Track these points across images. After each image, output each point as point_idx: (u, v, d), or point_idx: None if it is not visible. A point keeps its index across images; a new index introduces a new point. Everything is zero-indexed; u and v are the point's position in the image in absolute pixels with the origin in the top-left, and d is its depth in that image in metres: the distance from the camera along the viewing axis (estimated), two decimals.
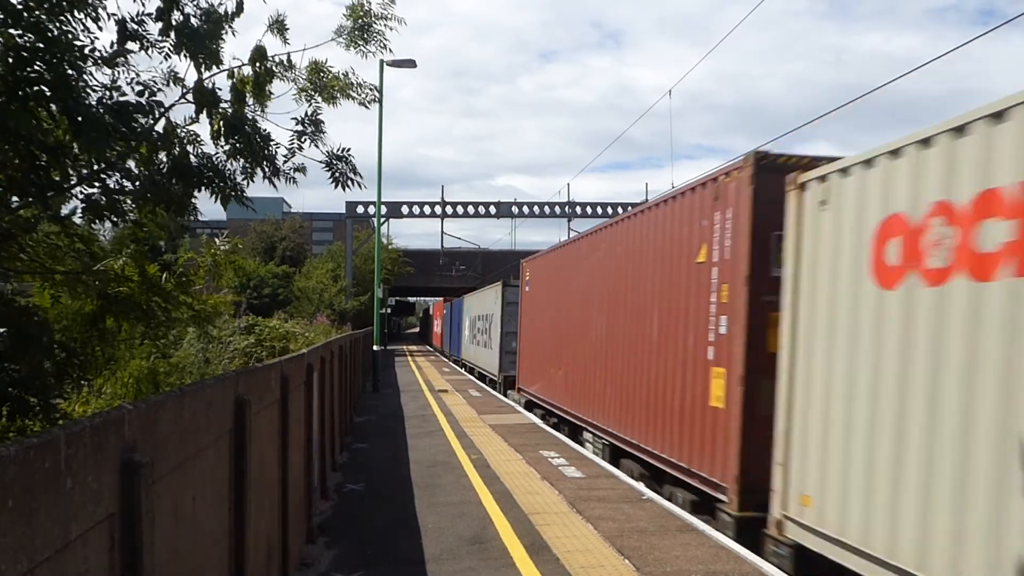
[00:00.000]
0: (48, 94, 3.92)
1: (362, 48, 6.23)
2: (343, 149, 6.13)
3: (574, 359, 14.78)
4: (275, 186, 5.85)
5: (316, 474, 8.54)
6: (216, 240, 6.35)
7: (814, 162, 7.27)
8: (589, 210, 55.04)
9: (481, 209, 54.01)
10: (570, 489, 10.28)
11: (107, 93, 4.48)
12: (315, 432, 8.29)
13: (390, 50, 6.37)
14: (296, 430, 6.62)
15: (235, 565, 4.10)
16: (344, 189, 6.14)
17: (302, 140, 5.95)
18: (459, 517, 8.83)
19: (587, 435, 13.97)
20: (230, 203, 5.43)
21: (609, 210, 54.79)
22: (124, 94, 4.72)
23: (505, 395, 23.78)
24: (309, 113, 6.00)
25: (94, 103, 4.23)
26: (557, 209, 54.82)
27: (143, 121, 4.55)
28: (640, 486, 10.54)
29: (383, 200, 29.15)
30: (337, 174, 6.07)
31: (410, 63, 23.77)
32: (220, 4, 5.23)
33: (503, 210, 53.99)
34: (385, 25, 6.27)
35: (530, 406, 19.40)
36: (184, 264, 6.23)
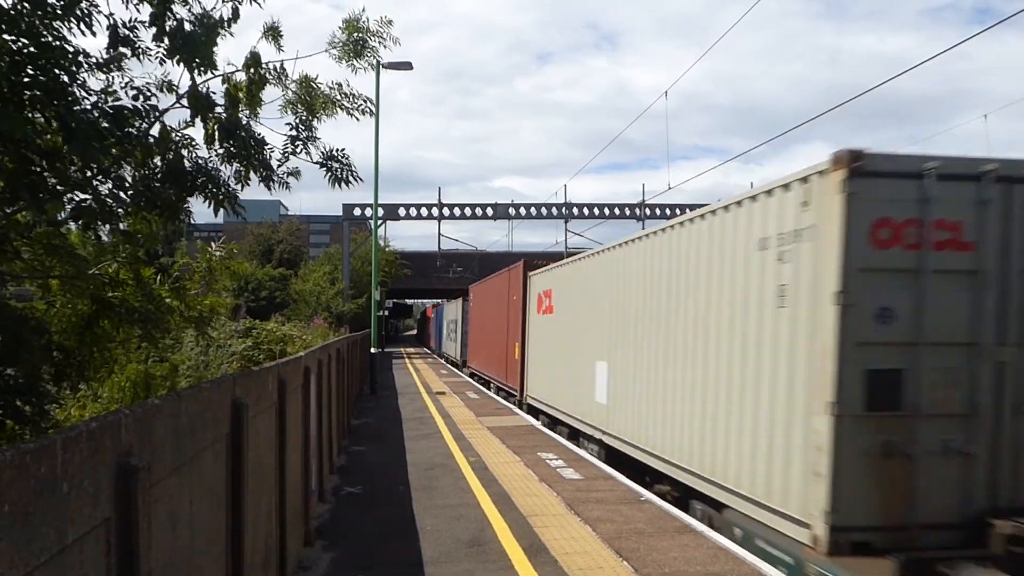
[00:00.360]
0: (42, 98, 3.91)
1: (354, 63, 6.27)
2: (338, 150, 6.13)
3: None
4: (270, 190, 5.85)
5: (314, 477, 8.53)
6: (212, 245, 6.32)
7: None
8: (586, 211, 55.06)
9: (478, 211, 54.02)
10: (568, 491, 10.28)
11: (102, 97, 4.48)
12: (312, 435, 8.29)
13: (379, 66, 6.42)
14: (294, 433, 6.61)
15: (232, 568, 4.10)
16: (341, 187, 6.13)
17: (296, 144, 5.94)
18: (457, 519, 8.83)
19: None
20: (222, 209, 5.43)
21: (607, 211, 54.84)
22: (119, 99, 4.72)
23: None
24: (304, 119, 6.00)
25: (89, 107, 4.22)
26: (554, 210, 54.83)
27: (138, 124, 4.55)
28: (638, 488, 10.55)
29: (380, 202, 29.16)
30: (336, 171, 6.07)
31: (406, 65, 23.78)
32: (215, 9, 5.23)
33: (500, 212, 54.01)
34: (379, 42, 6.32)
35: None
36: (180, 268, 6.21)
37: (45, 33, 3.97)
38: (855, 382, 6.17)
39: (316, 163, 6.05)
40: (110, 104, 4.42)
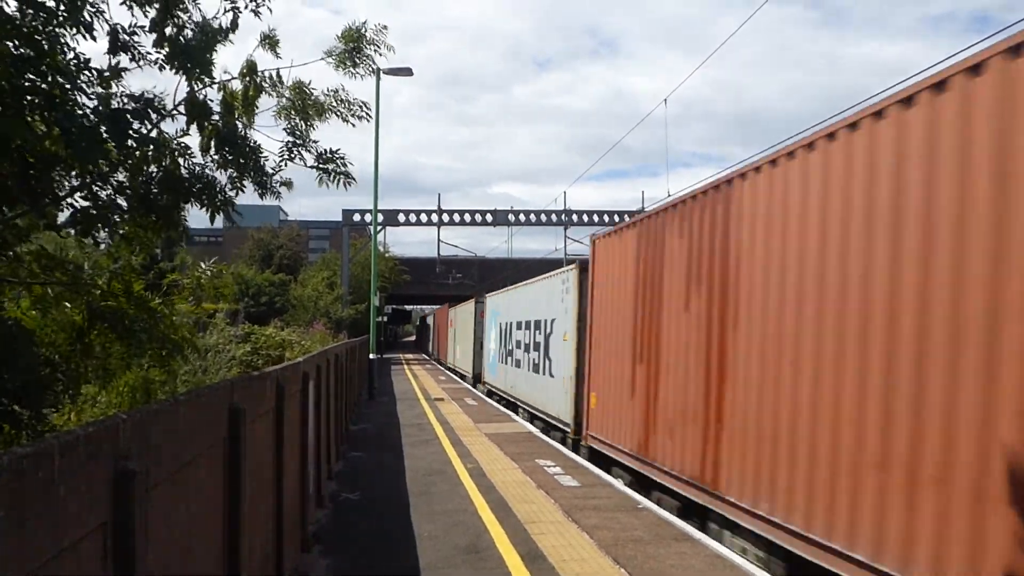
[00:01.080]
0: (41, 103, 3.93)
1: (351, 70, 6.30)
2: (332, 150, 6.12)
3: None
4: (262, 197, 5.88)
5: (311, 482, 8.52)
6: (201, 264, 6.34)
7: None
8: (586, 218, 55.15)
9: (478, 217, 54.09)
10: (566, 498, 10.27)
11: (101, 102, 4.48)
12: (311, 441, 8.28)
13: (379, 72, 6.44)
14: (291, 438, 6.61)
15: (229, 573, 4.10)
16: (338, 187, 6.12)
17: (292, 151, 5.95)
18: (455, 526, 8.82)
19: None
20: (219, 216, 5.43)
21: (606, 218, 54.92)
22: (122, 103, 4.72)
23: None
24: (297, 125, 6.02)
25: (88, 110, 4.24)
26: (554, 217, 54.93)
27: (137, 128, 4.56)
28: (636, 495, 10.54)
29: (380, 208, 29.19)
30: (331, 171, 6.07)
31: (406, 71, 23.83)
32: (215, 18, 5.25)
33: (499, 218, 54.08)
34: (375, 50, 6.31)
35: None
36: (169, 284, 6.21)
37: (43, 40, 3.99)
38: None
39: (311, 167, 6.05)
40: (111, 108, 4.44)
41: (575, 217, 55.02)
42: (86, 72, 4.33)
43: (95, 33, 4.47)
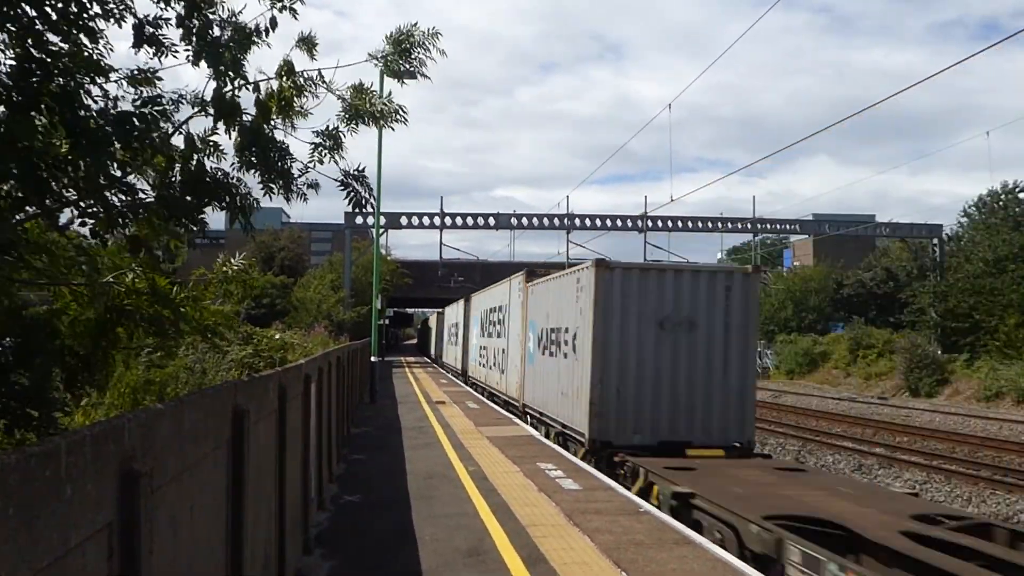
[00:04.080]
0: (50, 104, 3.93)
1: (398, 75, 6.12)
2: (359, 168, 5.98)
3: None
4: (288, 201, 5.71)
5: (313, 485, 8.53)
6: (232, 259, 6.21)
7: None
8: (588, 222, 55.16)
9: (480, 220, 54.10)
10: (567, 501, 10.26)
11: (110, 103, 4.49)
12: (312, 443, 8.29)
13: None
14: (293, 441, 6.62)
15: (232, 575, 4.10)
16: (358, 210, 5.98)
17: (321, 154, 5.77)
18: (456, 529, 8.82)
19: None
20: (234, 224, 5.38)
21: (609, 222, 54.95)
22: (140, 105, 4.64)
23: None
24: (332, 128, 5.82)
25: (95, 114, 4.24)
26: (556, 221, 54.95)
27: (155, 132, 4.53)
28: (637, 499, 10.53)
29: (382, 211, 29.21)
30: (352, 193, 5.92)
31: (411, 74, 23.82)
32: (254, 20, 5.16)
33: (502, 222, 54.09)
34: (426, 54, 6.09)
35: None
36: (197, 277, 6.13)
37: (57, 42, 4.00)
38: None
39: (336, 180, 5.91)
40: (119, 110, 4.44)
41: (578, 221, 55.03)
42: (114, 77, 4.32)
43: (122, 24, 4.43)
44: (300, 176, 5.67)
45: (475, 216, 54.26)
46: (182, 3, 4.84)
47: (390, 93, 6.14)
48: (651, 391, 13.89)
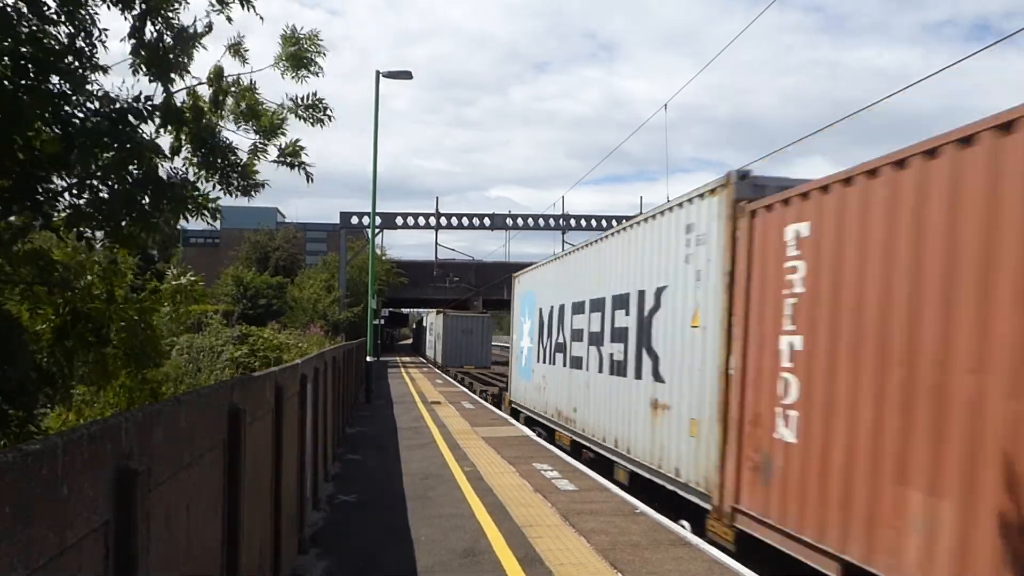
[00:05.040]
0: (40, 103, 3.93)
1: (298, 74, 6.49)
2: (291, 143, 6.38)
3: None
4: (229, 195, 6.15)
5: (308, 485, 8.51)
6: (178, 274, 6.71)
7: None
8: (584, 223, 55.18)
9: (475, 221, 54.13)
10: (563, 502, 10.26)
11: (104, 103, 4.49)
12: (308, 442, 8.27)
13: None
14: (289, 440, 6.60)
15: (228, 575, 4.09)
16: (308, 180, 6.41)
17: (257, 148, 6.22)
18: (452, 529, 8.81)
19: None
20: (198, 217, 5.59)
21: (604, 223, 54.99)
22: (116, 101, 4.73)
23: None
24: (258, 127, 6.27)
25: (89, 113, 4.24)
26: (552, 221, 54.96)
27: (136, 125, 4.60)
28: (632, 499, 10.53)
29: (377, 211, 29.19)
30: (293, 166, 6.35)
31: (406, 75, 23.83)
32: (190, 26, 5.40)
33: (497, 222, 54.11)
34: (316, 53, 6.49)
35: None
36: (150, 291, 6.49)
37: (46, 39, 3.99)
38: None
39: (275, 161, 6.32)
40: (112, 108, 4.44)
41: (573, 221, 55.06)
42: (89, 64, 4.36)
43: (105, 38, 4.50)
44: (251, 174, 6.09)
45: (470, 216, 54.27)
46: (133, 12, 4.98)
47: (312, 93, 6.59)
48: None
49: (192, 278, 6.85)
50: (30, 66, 3.86)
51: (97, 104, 4.52)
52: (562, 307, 16.18)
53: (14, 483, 1.72)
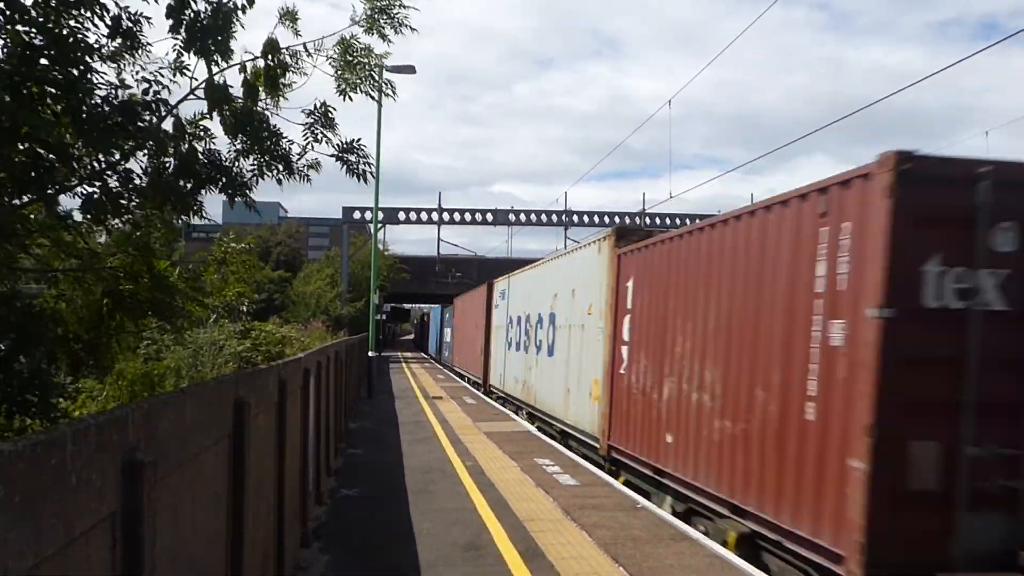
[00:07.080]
0: (52, 92, 3.93)
1: (385, 33, 6.03)
2: (355, 140, 6.06)
3: None
4: (280, 183, 5.74)
5: (311, 479, 8.53)
6: (226, 237, 6.36)
7: None
8: (586, 219, 55.12)
9: (478, 216, 54.06)
10: (564, 496, 10.28)
11: (112, 92, 4.48)
12: (311, 436, 8.29)
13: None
14: (292, 434, 6.61)
15: (232, 567, 4.10)
16: (359, 181, 6.04)
17: (314, 132, 5.79)
18: (454, 524, 8.83)
19: None
20: (235, 204, 5.41)
21: (607, 219, 54.93)
22: (129, 87, 4.67)
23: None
24: (321, 105, 5.84)
25: (99, 101, 4.23)
26: (554, 217, 54.91)
27: (148, 118, 4.54)
28: (634, 495, 10.55)
29: (380, 206, 29.18)
30: (352, 165, 6.00)
31: (409, 69, 23.77)
32: (228, 1, 5.16)
33: (500, 218, 54.06)
34: (401, 6, 6.03)
35: None
36: (196, 260, 6.23)
37: (56, 25, 3.98)
38: None
39: (331, 155, 5.96)
40: (120, 99, 4.43)
41: (576, 218, 55.00)
42: (96, 52, 4.31)
43: (105, 19, 4.44)
44: (299, 159, 5.71)
45: (473, 212, 54.21)
46: None
47: (384, 54, 6.10)
48: None
49: (240, 244, 6.45)
50: (38, 53, 3.86)
51: (104, 93, 4.50)
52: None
53: (22, 473, 1.72)
